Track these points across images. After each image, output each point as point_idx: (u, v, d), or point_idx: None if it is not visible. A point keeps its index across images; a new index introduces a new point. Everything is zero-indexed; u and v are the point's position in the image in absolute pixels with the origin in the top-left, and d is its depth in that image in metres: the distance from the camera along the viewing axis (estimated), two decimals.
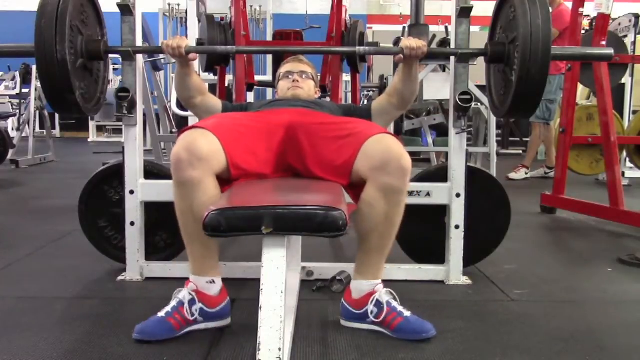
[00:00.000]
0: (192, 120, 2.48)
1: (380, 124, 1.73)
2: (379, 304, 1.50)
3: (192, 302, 1.48)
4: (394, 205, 1.47)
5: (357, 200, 1.52)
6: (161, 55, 3.95)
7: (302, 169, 1.60)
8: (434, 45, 4.15)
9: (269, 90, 6.79)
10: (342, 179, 1.52)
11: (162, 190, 1.86)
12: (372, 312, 1.51)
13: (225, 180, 1.49)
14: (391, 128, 3.65)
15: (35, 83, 5.59)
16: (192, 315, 1.47)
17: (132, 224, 1.90)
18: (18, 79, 6.77)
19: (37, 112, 5.73)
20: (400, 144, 1.50)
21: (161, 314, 1.46)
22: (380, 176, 1.44)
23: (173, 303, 1.48)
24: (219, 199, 1.38)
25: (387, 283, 1.58)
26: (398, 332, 1.47)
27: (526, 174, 4.76)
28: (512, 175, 4.77)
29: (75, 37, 1.66)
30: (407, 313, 1.50)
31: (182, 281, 1.54)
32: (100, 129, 9.58)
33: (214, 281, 1.52)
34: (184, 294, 1.49)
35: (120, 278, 1.95)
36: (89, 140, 9.01)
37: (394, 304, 1.51)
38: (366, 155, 1.48)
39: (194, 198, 1.42)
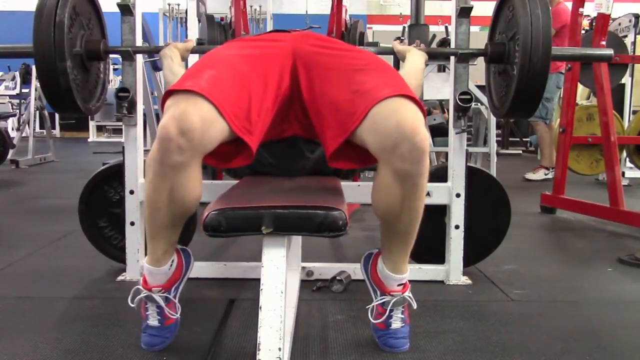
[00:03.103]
0: None
1: None
2: (384, 305, 1.43)
3: (167, 300, 1.40)
4: (413, 190, 1.27)
5: (352, 162, 1.36)
6: None
7: (302, 117, 1.45)
8: (433, 45, 4.16)
9: None
10: (339, 136, 1.31)
11: None
12: (376, 308, 1.44)
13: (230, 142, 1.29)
14: None
15: (35, 83, 5.59)
16: (174, 305, 1.41)
17: (132, 224, 1.90)
18: (18, 79, 6.79)
19: (37, 112, 5.73)
20: (418, 113, 1.24)
21: (154, 322, 1.39)
22: (393, 160, 1.22)
23: (154, 308, 1.39)
24: (199, 193, 1.29)
25: None
26: (375, 333, 1.45)
27: (545, 174, 4.67)
28: (530, 176, 4.71)
29: (75, 37, 1.66)
30: (396, 325, 1.42)
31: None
32: (100, 129, 9.59)
33: (173, 260, 1.39)
34: (155, 300, 1.39)
35: (120, 278, 1.95)
36: (89, 140, 9.01)
37: (394, 312, 1.43)
38: (374, 126, 1.24)
39: (175, 182, 1.23)
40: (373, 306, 1.44)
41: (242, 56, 1.40)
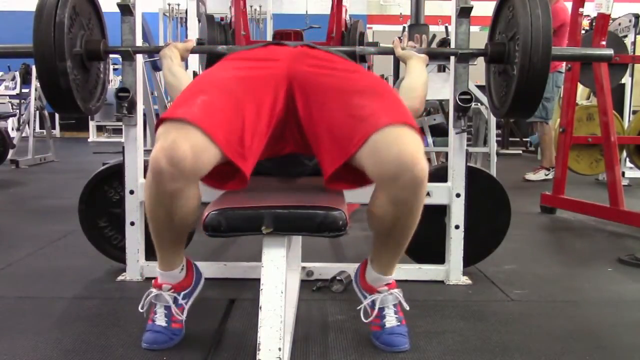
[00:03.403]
0: None
1: None
2: (373, 304, 1.47)
3: (175, 300, 1.44)
4: (408, 214, 1.31)
5: (349, 184, 1.38)
6: None
7: (298, 136, 1.43)
8: (433, 45, 4.15)
9: None
10: (336, 160, 1.31)
11: None
12: (366, 308, 1.47)
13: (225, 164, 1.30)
14: None
15: (35, 83, 5.59)
16: (181, 310, 1.44)
17: (132, 224, 1.90)
18: (18, 79, 6.79)
19: (37, 112, 5.73)
20: (418, 141, 1.26)
21: (162, 322, 1.42)
22: (391, 187, 1.25)
23: (163, 310, 1.43)
24: (198, 206, 1.33)
25: None
26: (373, 337, 1.45)
27: (546, 175, 4.67)
28: (530, 176, 4.71)
29: (75, 37, 1.66)
30: (391, 323, 1.43)
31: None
32: (100, 129, 9.58)
33: (183, 266, 1.46)
34: (164, 298, 1.43)
35: (120, 278, 1.95)
36: (89, 140, 9.01)
37: (386, 311, 1.45)
38: (373, 154, 1.25)
39: (172, 205, 1.27)
40: (363, 307, 1.47)
41: (236, 79, 1.38)
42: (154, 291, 1.44)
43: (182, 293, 1.46)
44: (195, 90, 1.35)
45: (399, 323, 1.44)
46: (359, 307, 1.49)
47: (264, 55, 1.49)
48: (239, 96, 1.33)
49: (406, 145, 1.22)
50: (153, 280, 1.47)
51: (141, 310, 1.44)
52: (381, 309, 1.46)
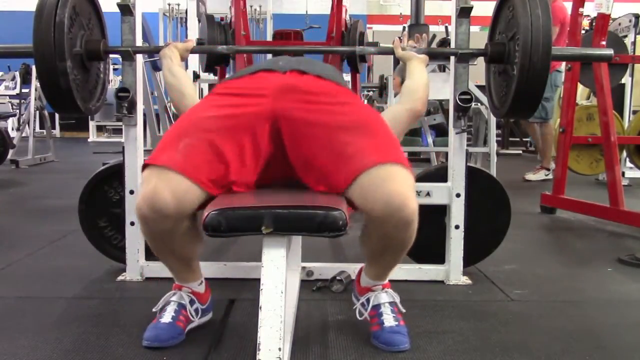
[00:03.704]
0: None
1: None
2: (367, 303, 1.49)
3: (192, 303, 1.48)
4: (399, 246, 1.35)
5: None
6: None
7: (288, 173, 1.40)
8: (433, 45, 4.15)
9: None
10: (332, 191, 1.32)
11: None
12: (362, 306, 1.50)
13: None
14: None
15: (35, 83, 5.59)
16: (193, 315, 1.48)
17: (132, 224, 1.90)
18: (18, 79, 6.78)
19: (37, 112, 5.73)
20: (408, 179, 1.26)
21: (167, 319, 1.43)
22: (381, 227, 1.28)
23: (174, 307, 1.46)
24: (197, 236, 1.38)
25: None
26: (373, 338, 1.45)
27: (546, 175, 4.68)
28: (530, 177, 4.71)
29: (75, 37, 1.66)
30: (389, 323, 1.44)
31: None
32: (100, 129, 9.59)
33: (202, 281, 1.53)
34: (181, 296, 1.48)
35: (120, 278, 1.95)
36: (89, 140, 9.01)
37: (382, 309, 1.46)
38: (362, 194, 1.25)
39: (168, 243, 1.35)
40: (357, 306, 1.51)
41: (219, 118, 1.36)
42: (173, 291, 1.49)
43: (198, 304, 1.50)
44: (179, 132, 1.36)
45: (397, 322, 1.45)
46: (354, 307, 1.52)
47: (250, 89, 1.42)
48: (222, 138, 1.32)
49: (396, 186, 1.22)
50: (173, 284, 1.51)
51: (154, 310, 1.47)
52: (377, 307, 1.47)
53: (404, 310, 1.50)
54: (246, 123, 1.35)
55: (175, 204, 1.23)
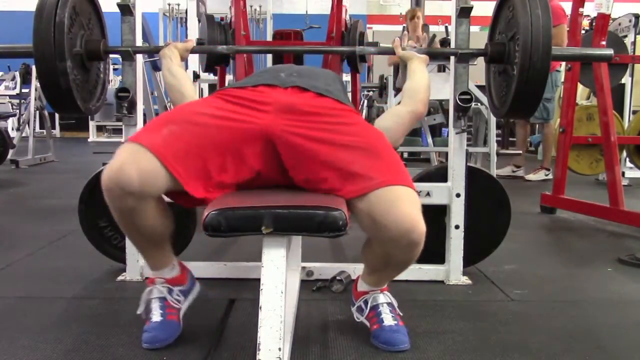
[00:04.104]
0: None
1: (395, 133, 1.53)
2: (365, 304, 1.49)
3: (170, 292, 1.47)
4: (402, 264, 1.38)
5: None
6: None
7: (282, 178, 1.39)
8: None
9: None
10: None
11: None
12: (359, 309, 1.51)
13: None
14: None
15: (35, 83, 5.59)
16: (177, 301, 1.47)
17: None
18: (18, 79, 6.78)
19: (37, 112, 5.73)
20: (416, 201, 1.26)
21: (157, 317, 1.43)
22: (387, 247, 1.30)
23: (157, 303, 1.45)
24: (165, 217, 1.37)
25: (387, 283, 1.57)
26: (373, 338, 1.45)
27: (546, 175, 4.69)
28: (530, 177, 4.72)
29: (75, 37, 1.66)
30: (388, 322, 1.44)
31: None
32: (100, 129, 9.59)
33: (174, 265, 1.49)
34: (159, 290, 1.46)
35: (120, 278, 1.95)
36: (89, 140, 9.01)
37: (381, 309, 1.47)
38: (368, 215, 1.25)
39: (134, 221, 1.32)
40: (355, 308, 1.51)
41: (213, 117, 1.34)
42: (148, 288, 1.48)
43: (177, 288, 1.48)
44: (167, 119, 1.36)
45: (396, 322, 1.45)
46: (352, 307, 1.53)
47: (251, 102, 1.38)
48: (208, 135, 1.31)
49: (406, 210, 1.22)
50: (146, 281, 1.51)
51: (139, 313, 1.46)
52: (375, 307, 1.48)
53: (401, 313, 1.50)
54: (239, 133, 1.33)
55: (139, 182, 1.22)
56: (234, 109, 1.37)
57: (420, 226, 1.23)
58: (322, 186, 1.32)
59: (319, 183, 1.32)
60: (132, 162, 1.23)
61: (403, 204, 1.23)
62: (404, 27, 5.47)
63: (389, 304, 1.49)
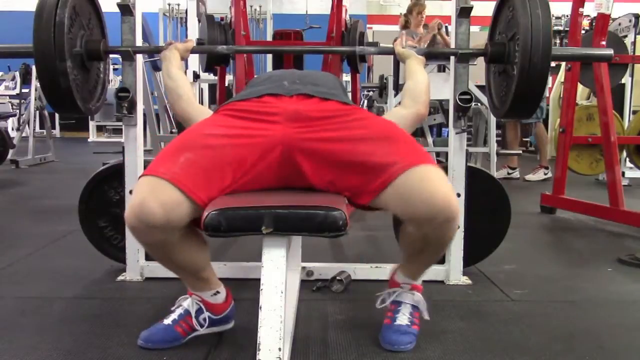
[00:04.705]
0: None
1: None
2: (389, 296, 1.51)
3: (199, 312, 1.44)
4: (440, 243, 1.34)
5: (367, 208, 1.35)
6: None
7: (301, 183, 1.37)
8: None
9: None
10: (357, 199, 1.32)
11: None
12: (384, 300, 1.52)
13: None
14: None
15: (35, 83, 5.59)
16: (200, 324, 1.44)
17: None
18: (18, 79, 6.78)
19: (37, 112, 5.73)
20: (445, 178, 1.26)
21: (167, 321, 1.43)
22: (423, 227, 1.26)
23: (179, 311, 1.44)
24: (203, 253, 1.38)
25: (387, 283, 1.58)
26: (381, 332, 1.45)
27: (545, 174, 4.70)
28: (530, 177, 4.72)
29: (75, 37, 1.65)
30: (401, 322, 1.44)
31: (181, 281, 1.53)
32: (100, 129, 9.58)
33: (218, 292, 1.46)
34: (189, 303, 1.45)
35: (120, 278, 1.95)
36: (89, 140, 9.01)
37: (401, 308, 1.47)
38: (399, 198, 1.24)
39: (166, 254, 1.33)
40: (382, 296, 1.51)
41: (225, 137, 1.33)
42: (185, 296, 1.47)
43: (208, 313, 1.45)
44: (180, 146, 1.33)
45: (409, 323, 1.45)
46: (378, 294, 1.53)
47: (259, 115, 1.37)
48: (225, 155, 1.30)
49: (437, 187, 1.22)
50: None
51: (172, 309, 1.47)
52: (398, 303, 1.48)
53: (427, 318, 1.49)
54: (254, 148, 1.32)
55: (162, 214, 1.19)
56: (244, 125, 1.36)
57: (454, 201, 1.22)
58: (348, 184, 1.31)
59: (345, 181, 1.31)
60: (152, 196, 1.20)
61: (432, 182, 1.22)
62: (404, 22, 5.47)
63: (413, 307, 1.48)
